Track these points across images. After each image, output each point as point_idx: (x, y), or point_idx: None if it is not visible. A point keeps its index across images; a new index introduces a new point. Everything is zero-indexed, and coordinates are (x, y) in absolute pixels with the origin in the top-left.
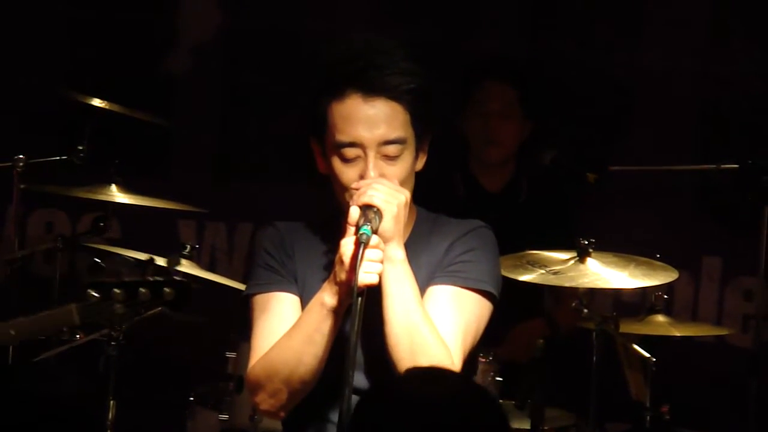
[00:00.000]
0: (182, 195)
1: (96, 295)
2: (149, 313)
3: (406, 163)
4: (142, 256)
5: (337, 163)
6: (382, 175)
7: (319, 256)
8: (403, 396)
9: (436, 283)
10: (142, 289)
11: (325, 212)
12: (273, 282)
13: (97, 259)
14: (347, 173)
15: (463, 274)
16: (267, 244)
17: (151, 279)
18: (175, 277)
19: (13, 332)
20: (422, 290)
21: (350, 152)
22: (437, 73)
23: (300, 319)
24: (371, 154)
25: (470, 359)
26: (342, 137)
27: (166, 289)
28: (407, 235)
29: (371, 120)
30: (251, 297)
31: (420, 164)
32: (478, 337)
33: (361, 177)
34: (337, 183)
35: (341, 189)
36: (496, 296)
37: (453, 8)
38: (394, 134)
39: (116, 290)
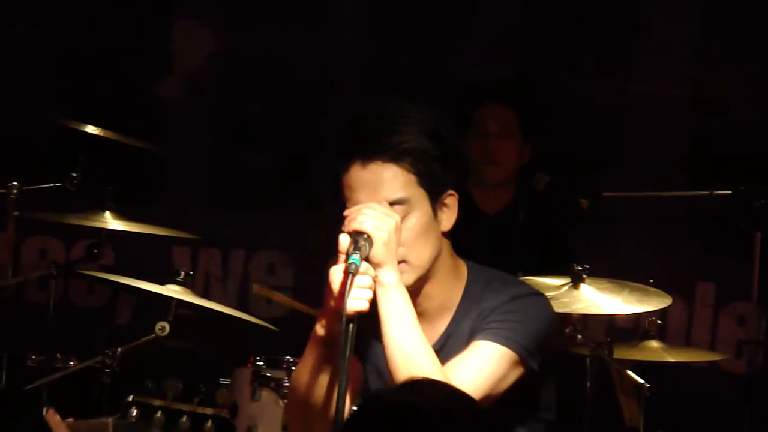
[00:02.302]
0: (176, 221)
1: (136, 414)
2: None
3: (414, 224)
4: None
5: None
6: None
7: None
8: (390, 406)
9: (473, 339)
10: (183, 419)
11: None
12: None
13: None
14: None
15: (495, 331)
16: None
17: (195, 410)
18: (222, 414)
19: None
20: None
21: None
22: (451, 130)
23: (304, 351)
24: None
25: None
26: (350, 207)
27: (208, 424)
28: (459, 295)
29: (370, 185)
30: None
31: (447, 223)
32: (495, 394)
33: None
34: None
35: None
36: (527, 360)
37: (444, 33)
38: (394, 196)
39: (158, 415)
